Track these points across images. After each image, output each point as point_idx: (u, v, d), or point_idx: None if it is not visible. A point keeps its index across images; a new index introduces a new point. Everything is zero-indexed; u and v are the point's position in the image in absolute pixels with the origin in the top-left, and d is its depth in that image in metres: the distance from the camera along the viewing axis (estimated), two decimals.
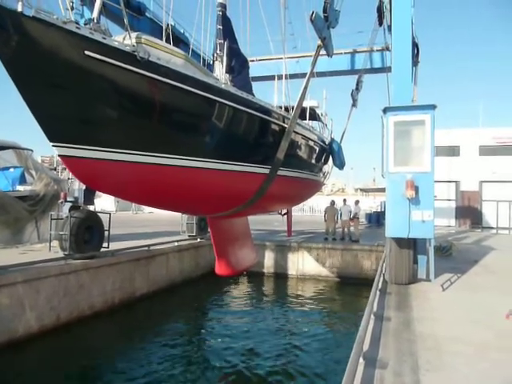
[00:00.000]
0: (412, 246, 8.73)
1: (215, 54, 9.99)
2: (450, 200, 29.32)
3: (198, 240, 17.11)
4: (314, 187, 16.67)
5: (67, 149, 6.02)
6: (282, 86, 12.52)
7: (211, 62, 10.84)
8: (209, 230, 11.23)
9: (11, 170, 14.95)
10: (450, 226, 28.30)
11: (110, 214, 13.11)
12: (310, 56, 10.71)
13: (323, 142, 15.44)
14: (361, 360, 4.28)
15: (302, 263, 16.93)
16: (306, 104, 14.26)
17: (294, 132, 10.48)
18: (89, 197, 12.03)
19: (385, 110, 8.67)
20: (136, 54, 6.27)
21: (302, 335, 10.36)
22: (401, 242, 8.57)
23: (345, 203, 18.72)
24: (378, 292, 7.47)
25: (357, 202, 19.15)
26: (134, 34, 6.55)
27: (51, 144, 5.89)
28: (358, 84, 18.80)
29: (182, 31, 14.01)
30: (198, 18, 10.52)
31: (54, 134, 5.90)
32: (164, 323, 11.14)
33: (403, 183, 8.09)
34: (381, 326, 5.80)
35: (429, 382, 4.05)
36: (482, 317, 6.32)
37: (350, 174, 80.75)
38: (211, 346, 9.75)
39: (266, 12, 13.03)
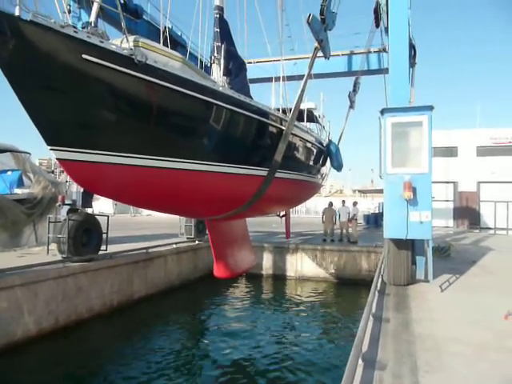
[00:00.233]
0: (410, 247, 8.74)
1: (212, 57, 10.01)
2: (447, 201, 29.35)
3: (197, 242, 17.11)
4: (312, 189, 16.67)
5: (65, 152, 6.01)
6: (280, 88, 12.56)
7: (209, 65, 10.84)
8: (207, 232, 11.22)
9: (9, 173, 14.94)
10: (448, 227, 28.33)
11: (108, 216, 13.09)
12: (308, 58, 10.73)
13: (321, 143, 15.45)
14: (360, 361, 4.27)
15: (300, 265, 16.94)
16: (304, 106, 14.29)
17: (292, 134, 10.49)
18: (87, 199, 12.02)
19: (382, 112, 8.69)
20: (133, 57, 6.27)
21: (300, 337, 10.36)
22: (399, 243, 8.57)
23: (343, 204, 18.74)
24: (376, 293, 7.47)
25: (355, 204, 19.17)
26: (131, 38, 6.56)
27: (49, 148, 5.89)
28: (355, 86, 18.83)
29: (179, 34, 14.04)
30: (195, 20, 10.56)
31: (52, 137, 5.89)
32: (162, 326, 11.11)
33: (401, 184, 8.10)
34: (379, 327, 5.80)
35: (428, 383, 4.05)
36: (480, 317, 6.33)
37: (348, 176, 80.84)
38: (210, 347, 9.74)
39: (263, 14, 13.06)
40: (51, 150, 5.92)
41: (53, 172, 20.55)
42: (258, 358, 8.96)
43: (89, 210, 12.53)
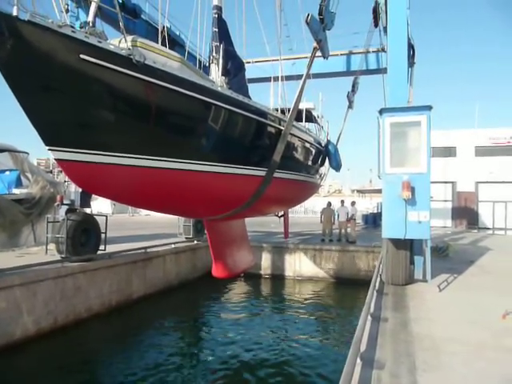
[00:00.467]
0: (408, 246, 8.75)
1: (211, 57, 10.00)
2: (446, 201, 29.39)
3: (195, 242, 17.12)
4: (310, 189, 16.67)
5: (63, 153, 6.00)
6: (278, 88, 12.55)
7: (207, 65, 10.84)
8: (205, 232, 11.22)
9: (7, 173, 14.91)
10: (446, 227, 28.36)
11: (106, 216, 13.11)
12: (306, 58, 10.75)
13: (319, 143, 15.45)
14: (358, 361, 4.28)
15: (298, 264, 16.96)
16: (302, 106, 14.29)
17: (291, 134, 10.49)
18: (85, 199, 12.02)
19: (381, 111, 8.69)
20: (132, 57, 6.26)
21: (298, 336, 10.37)
22: (397, 243, 8.58)
23: (342, 204, 18.74)
24: (374, 293, 7.49)
25: (353, 203, 19.17)
26: (129, 38, 6.54)
27: (47, 148, 5.88)
28: (353, 86, 18.83)
29: (177, 33, 14.03)
30: (193, 20, 10.55)
31: (50, 137, 5.88)
32: (161, 325, 11.12)
33: (399, 184, 8.11)
34: (378, 327, 5.80)
35: (426, 382, 4.06)
36: (478, 317, 6.34)
37: (346, 176, 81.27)
38: (208, 347, 9.75)
39: (261, 14, 13.05)
40: (49, 150, 5.91)
41: (51, 172, 20.49)
42: (256, 357, 8.97)
43: (87, 210, 12.53)
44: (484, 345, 5.12)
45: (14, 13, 5.11)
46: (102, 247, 12.23)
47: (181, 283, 15.30)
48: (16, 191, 14.17)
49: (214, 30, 9.91)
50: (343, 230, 18.26)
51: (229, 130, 8.58)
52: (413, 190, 8.04)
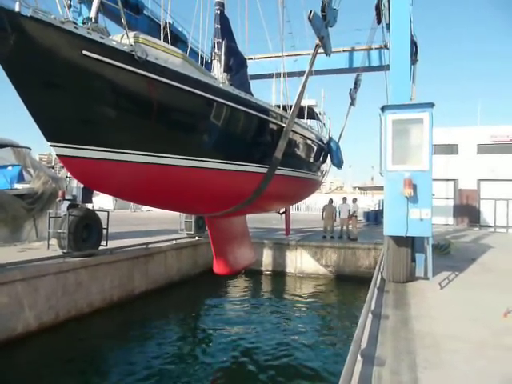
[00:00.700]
0: (410, 244, 8.75)
1: (213, 53, 9.98)
2: (448, 198, 29.32)
3: (197, 238, 17.14)
4: (312, 186, 16.67)
5: (65, 148, 6.01)
6: (280, 85, 12.53)
7: (209, 61, 10.82)
8: (207, 228, 11.23)
9: (9, 168, 14.93)
10: (447, 225, 28.32)
11: (108, 212, 13.12)
12: (308, 54, 10.72)
13: (321, 140, 15.44)
14: (359, 358, 4.29)
15: (300, 261, 16.97)
16: (304, 103, 14.26)
17: (292, 131, 10.48)
18: (87, 195, 12.04)
19: (383, 109, 8.67)
20: (134, 53, 6.26)
21: (299, 333, 10.39)
22: (399, 241, 8.58)
23: (344, 201, 18.74)
24: (375, 290, 7.48)
25: (354, 200, 19.17)
26: (131, 34, 6.54)
27: (49, 144, 5.89)
28: (356, 83, 18.82)
29: (180, 29, 14.00)
30: (196, 16, 10.52)
31: (52, 133, 5.89)
32: (162, 321, 11.14)
33: (401, 181, 8.10)
34: (378, 324, 5.81)
35: (427, 379, 4.08)
36: (479, 315, 6.35)
37: (348, 173, 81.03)
38: (209, 343, 9.78)
39: (264, 10, 13.02)
40: (51, 146, 5.92)
41: (53, 167, 20.55)
42: (257, 352, 9.00)
43: (89, 206, 12.55)
44: (485, 343, 5.13)
45: (17, 9, 5.11)
46: (103, 243, 12.25)
47: (182, 279, 15.32)
48: (18, 186, 14.19)
49: (217, 26, 9.88)
50: (345, 227, 18.27)
51: (230, 127, 8.58)
52: (415, 187, 8.03)
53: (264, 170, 9.64)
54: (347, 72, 19.73)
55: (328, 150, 16.39)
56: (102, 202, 32.66)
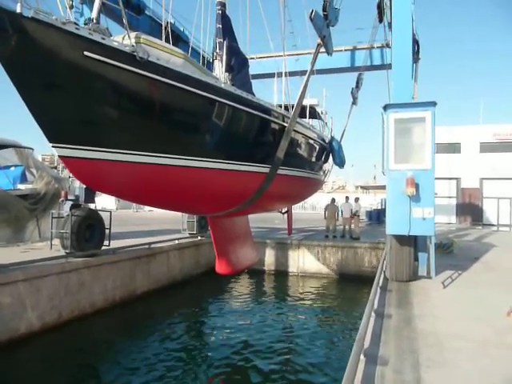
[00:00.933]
0: (413, 243, 8.73)
1: (215, 53, 9.98)
2: (450, 197, 29.26)
3: (199, 238, 17.15)
4: (314, 186, 16.67)
5: (67, 149, 6.02)
6: (282, 84, 12.53)
7: (211, 61, 10.83)
8: (209, 228, 11.24)
9: (12, 168, 14.97)
10: (450, 223, 28.26)
11: (110, 212, 13.14)
12: (310, 54, 10.72)
13: (323, 140, 15.43)
14: (362, 357, 4.29)
15: (302, 261, 16.96)
16: (306, 102, 14.27)
17: (294, 131, 10.47)
18: (89, 195, 12.07)
19: (385, 107, 8.66)
20: (135, 54, 6.26)
21: (303, 332, 10.37)
22: (401, 240, 8.57)
23: (347, 200, 18.72)
24: (378, 289, 7.48)
25: (357, 200, 19.11)
26: (133, 34, 6.54)
27: (51, 145, 5.90)
28: (358, 82, 18.80)
29: (181, 29, 14.01)
30: (197, 16, 10.53)
31: (54, 134, 5.90)
32: (164, 321, 11.14)
33: (404, 180, 8.09)
34: (381, 324, 5.80)
35: (430, 378, 4.07)
36: (482, 314, 6.33)
37: (350, 172, 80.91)
38: (211, 343, 9.77)
39: (265, 10, 13.04)
40: (53, 147, 5.93)
41: (56, 168, 20.54)
42: (260, 352, 8.98)
43: (91, 206, 12.56)
44: (488, 342, 5.11)
45: (18, 10, 5.12)
46: (106, 243, 12.27)
47: (184, 279, 15.33)
48: (21, 187, 14.22)
49: (218, 26, 9.88)
50: (347, 227, 18.25)
51: (232, 127, 8.58)
52: (417, 186, 8.02)
53: (266, 170, 9.64)
54: (349, 71, 19.72)
55: (330, 150, 16.39)
56: (104, 202, 32.79)
